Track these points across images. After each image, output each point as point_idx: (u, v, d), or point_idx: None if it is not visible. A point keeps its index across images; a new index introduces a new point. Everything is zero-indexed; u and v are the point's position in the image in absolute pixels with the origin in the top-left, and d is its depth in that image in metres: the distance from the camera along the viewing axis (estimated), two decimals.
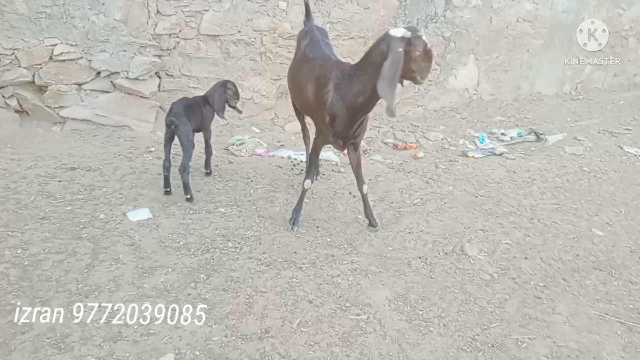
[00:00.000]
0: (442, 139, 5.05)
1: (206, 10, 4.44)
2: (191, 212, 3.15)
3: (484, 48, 6.04)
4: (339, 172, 4.06)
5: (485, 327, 2.41)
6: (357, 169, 3.16)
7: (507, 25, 6.11)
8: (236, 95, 3.57)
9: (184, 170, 3.20)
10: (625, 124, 6.01)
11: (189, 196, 3.24)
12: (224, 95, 3.49)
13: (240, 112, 3.72)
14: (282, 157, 4.23)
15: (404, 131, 5.18)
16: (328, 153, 4.37)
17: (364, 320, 2.36)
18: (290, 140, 4.71)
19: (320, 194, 3.62)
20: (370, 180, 3.89)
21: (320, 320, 2.33)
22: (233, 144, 4.37)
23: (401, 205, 3.58)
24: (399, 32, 2.48)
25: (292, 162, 4.14)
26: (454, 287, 2.70)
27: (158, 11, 4.30)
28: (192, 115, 3.31)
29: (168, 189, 3.29)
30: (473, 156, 4.65)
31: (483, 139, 5.05)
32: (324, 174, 3.95)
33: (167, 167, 3.24)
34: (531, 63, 6.59)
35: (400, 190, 3.81)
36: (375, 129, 5.06)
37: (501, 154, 4.72)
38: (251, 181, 3.69)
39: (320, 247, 2.94)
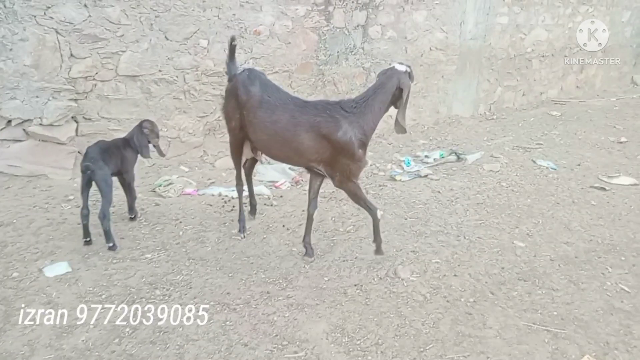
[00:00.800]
0: (370, 165, 5.18)
1: (123, 51, 4.34)
2: (114, 261, 2.99)
3: None
4: (271, 205, 4.04)
5: (422, 349, 2.44)
6: (317, 192, 3.27)
7: (421, 54, 6.46)
8: (154, 133, 3.48)
9: (103, 217, 3.05)
10: (536, 139, 6.49)
11: (111, 244, 3.09)
12: (142, 135, 3.41)
13: (163, 155, 3.61)
14: (213, 195, 4.14)
15: None
16: (259, 187, 4.34)
17: (302, 358, 2.32)
18: (221, 177, 4.63)
19: (253, 229, 3.57)
20: (303, 211, 3.90)
21: None
22: (160, 185, 4.24)
23: (334, 233, 3.60)
24: (402, 67, 2.99)
25: (223, 199, 4.07)
26: (390, 311, 2.72)
27: (72, 54, 4.14)
28: (110, 159, 3.19)
29: (88, 239, 3.11)
30: (400, 179, 4.80)
31: (409, 163, 5.24)
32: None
33: (85, 215, 3.07)
34: (447, 88, 6.99)
35: (333, 218, 3.84)
36: None
37: (426, 176, 4.91)
38: (180, 222, 3.57)
39: (255, 285, 2.88)
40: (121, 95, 4.42)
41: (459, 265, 3.26)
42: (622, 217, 4.15)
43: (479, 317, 2.73)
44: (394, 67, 3.01)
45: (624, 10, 9.91)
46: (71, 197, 3.80)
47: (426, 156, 5.51)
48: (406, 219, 3.90)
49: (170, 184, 4.29)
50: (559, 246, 3.61)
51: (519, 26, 7.80)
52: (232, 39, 3.21)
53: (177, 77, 4.59)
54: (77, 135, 4.34)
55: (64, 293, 2.65)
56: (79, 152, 4.30)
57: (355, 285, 2.95)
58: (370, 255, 3.29)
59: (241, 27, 4.80)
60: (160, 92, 4.57)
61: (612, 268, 3.33)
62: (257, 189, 4.33)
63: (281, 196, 4.19)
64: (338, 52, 5.56)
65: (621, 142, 6.52)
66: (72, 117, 4.28)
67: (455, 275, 3.14)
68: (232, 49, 3.22)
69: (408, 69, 3.01)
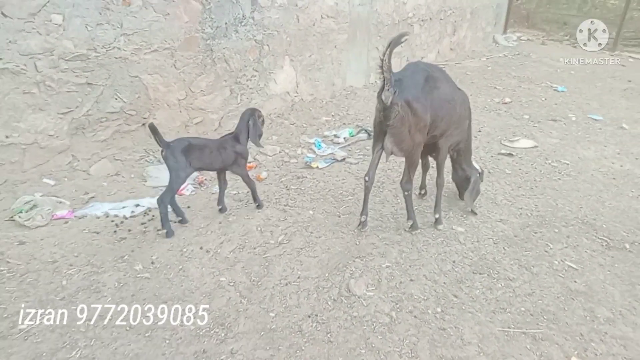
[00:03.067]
0: (279, 152, 4.62)
1: None
2: None
3: (297, 48, 5.77)
4: (176, 222, 3.28)
5: None
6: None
7: (313, 23, 5.94)
8: (263, 122, 3.42)
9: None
10: None
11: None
12: (258, 123, 3.31)
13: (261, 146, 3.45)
14: (97, 217, 3.25)
15: None
16: (147, 199, 3.52)
17: None
18: (101, 188, 3.70)
19: (162, 260, 2.82)
20: (220, 223, 3.24)
21: None
22: (21, 211, 3.21)
23: (266, 248, 3.01)
24: (477, 166, 3.76)
25: (113, 221, 3.20)
26: (359, 346, 2.28)
27: None
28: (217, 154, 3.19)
29: None
30: (317, 167, 4.32)
31: (320, 145, 4.78)
32: (159, 230, 3.15)
33: None
34: (340, 58, 6.60)
35: (259, 228, 3.23)
36: None
37: (343, 159, 4.50)
38: (60, 265, 2.68)
39: (184, 344, 2.20)
40: None
41: (410, 266, 2.92)
42: (537, 183, 4.19)
43: (455, 332, 2.41)
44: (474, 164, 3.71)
45: None
46: None
47: (335, 135, 5.10)
48: (339, 217, 3.45)
49: (34, 206, 3.28)
50: (495, 225, 3.46)
51: None
52: (401, 35, 2.72)
53: (25, 65, 3.47)
54: None
55: None
56: None
57: (309, 317, 2.43)
58: (314, 271, 2.79)
59: None
60: (4, 87, 3.42)
61: (552, 243, 3.26)
62: (145, 201, 3.51)
63: (188, 206, 3.45)
64: (226, 23, 4.78)
65: (506, 103, 6.78)
66: None
67: (411, 280, 2.79)
68: (395, 46, 2.71)
69: (480, 170, 3.74)
